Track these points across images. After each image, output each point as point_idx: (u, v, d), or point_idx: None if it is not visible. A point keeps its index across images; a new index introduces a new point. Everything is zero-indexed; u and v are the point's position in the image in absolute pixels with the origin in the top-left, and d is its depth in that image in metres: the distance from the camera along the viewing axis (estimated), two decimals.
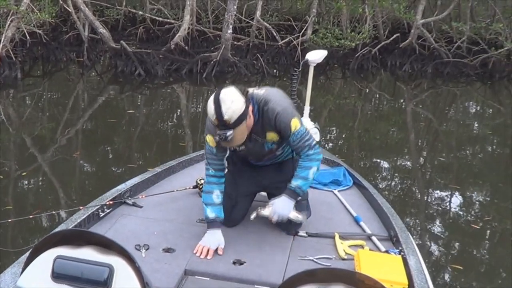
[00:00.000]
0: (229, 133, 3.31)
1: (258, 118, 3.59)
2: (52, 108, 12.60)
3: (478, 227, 7.03)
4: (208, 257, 3.52)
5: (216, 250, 3.60)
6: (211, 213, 3.74)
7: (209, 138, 3.70)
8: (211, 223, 3.74)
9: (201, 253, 3.55)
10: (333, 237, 3.82)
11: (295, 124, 3.60)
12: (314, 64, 5.38)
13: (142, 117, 12.22)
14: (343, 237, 3.81)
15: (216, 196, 3.79)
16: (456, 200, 8.13)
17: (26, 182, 7.79)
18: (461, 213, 7.61)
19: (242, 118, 3.35)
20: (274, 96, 3.63)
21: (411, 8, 24.15)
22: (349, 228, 4.07)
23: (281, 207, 3.69)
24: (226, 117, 3.27)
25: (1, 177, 7.63)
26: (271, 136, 3.70)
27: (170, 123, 12.07)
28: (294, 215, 3.73)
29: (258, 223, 3.94)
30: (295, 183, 3.72)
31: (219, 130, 3.34)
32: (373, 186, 4.84)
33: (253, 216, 3.75)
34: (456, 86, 19.53)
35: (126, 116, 11.96)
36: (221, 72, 17.33)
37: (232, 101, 3.30)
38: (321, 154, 3.81)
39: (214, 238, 3.66)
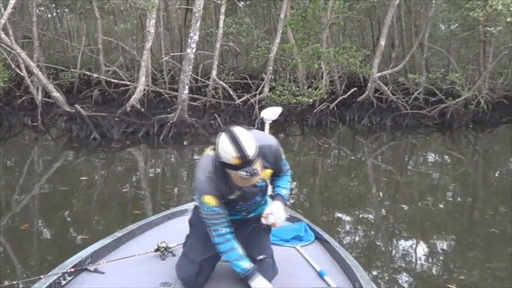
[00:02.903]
0: (255, 167, 3.34)
1: None
2: (7, 175, 12.25)
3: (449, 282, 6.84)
4: None
5: None
6: (246, 263, 3.71)
7: (209, 199, 3.62)
8: (252, 273, 3.69)
9: None
10: None
11: (282, 153, 3.88)
12: (270, 121, 5.45)
13: (99, 183, 11.95)
14: None
15: (238, 247, 3.74)
16: (422, 251, 7.94)
17: None
18: (426, 264, 7.44)
19: (257, 150, 3.39)
20: (262, 134, 3.87)
21: (367, 62, 24.39)
22: (314, 283, 3.99)
23: (281, 212, 3.83)
24: (249, 153, 3.29)
25: None
26: (266, 173, 3.78)
27: (125, 189, 11.67)
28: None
29: (223, 283, 3.90)
30: (284, 191, 3.98)
31: (244, 168, 3.31)
32: (335, 240, 4.78)
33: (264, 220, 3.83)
34: (415, 138, 19.67)
35: (82, 182, 11.61)
36: (179, 134, 17.14)
37: (248, 136, 3.36)
38: None
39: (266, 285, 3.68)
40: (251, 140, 3.35)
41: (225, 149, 3.32)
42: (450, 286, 6.57)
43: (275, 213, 3.76)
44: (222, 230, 3.70)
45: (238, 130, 3.37)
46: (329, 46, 22.75)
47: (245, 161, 3.29)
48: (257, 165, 3.38)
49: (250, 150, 3.30)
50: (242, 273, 3.68)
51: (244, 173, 3.31)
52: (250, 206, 3.98)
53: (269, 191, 4.02)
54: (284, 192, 3.96)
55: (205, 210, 3.67)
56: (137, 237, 4.88)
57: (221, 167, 3.53)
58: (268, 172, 3.81)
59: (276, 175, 3.99)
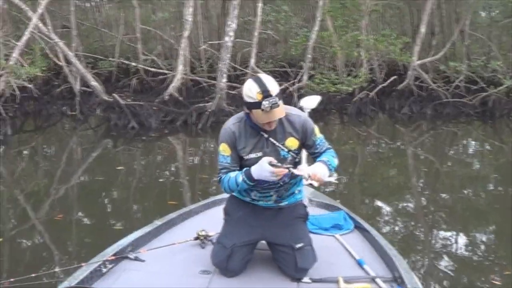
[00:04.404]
0: (277, 99, 3.51)
1: (279, 123, 3.79)
2: (46, 165, 12.33)
3: (496, 275, 6.67)
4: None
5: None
6: (239, 178, 3.76)
7: (223, 147, 3.84)
8: (248, 173, 3.71)
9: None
10: (337, 282, 3.76)
11: (317, 130, 3.93)
12: (309, 110, 5.53)
13: (137, 172, 11.97)
14: (347, 281, 3.74)
15: (231, 175, 3.83)
16: (462, 242, 7.82)
17: (21, 241, 7.57)
18: (467, 256, 7.30)
19: (279, 91, 3.60)
20: (294, 108, 3.97)
21: (407, 49, 24.09)
22: (353, 271, 3.98)
23: (321, 168, 3.73)
24: (270, 87, 3.52)
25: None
26: (291, 142, 3.84)
27: (163, 178, 11.63)
28: (329, 178, 3.83)
29: (261, 271, 3.97)
30: (324, 158, 3.88)
31: (267, 99, 3.49)
32: (374, 229, 4.76)
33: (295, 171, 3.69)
34: (456, 126, 19.38)
35: (120, 172, 11.62)
36: (217, 123, 16.98)
37: (270, 78, 3.62)
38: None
39: (263, 166, 3.61)
40: (273, 81, 3.60)
41: (250, 87, 3.56)
42: (495, 282, 6.41)
43: (316, 170, 3.66)
44: (223, 177, 3.87)
45: (261, 74, 3.72)
46: (368, 33, 22.53)
47: (267, 95, 3.50)
48: (280, 102, 3.56)
49: (272, 86, 3.53)
50: (246, 186, 3.79)
51: (267, 102, 3.48)
52: (278, 188, 3.95)
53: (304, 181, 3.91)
54: (325, 159, 3.86)
55: (219, 157, 3.90)
56: (177, 226, 4.93)
57: (248, 118, 3.79)
58: (294, 141, 3.85)
59: (312, 153, 4.01)
